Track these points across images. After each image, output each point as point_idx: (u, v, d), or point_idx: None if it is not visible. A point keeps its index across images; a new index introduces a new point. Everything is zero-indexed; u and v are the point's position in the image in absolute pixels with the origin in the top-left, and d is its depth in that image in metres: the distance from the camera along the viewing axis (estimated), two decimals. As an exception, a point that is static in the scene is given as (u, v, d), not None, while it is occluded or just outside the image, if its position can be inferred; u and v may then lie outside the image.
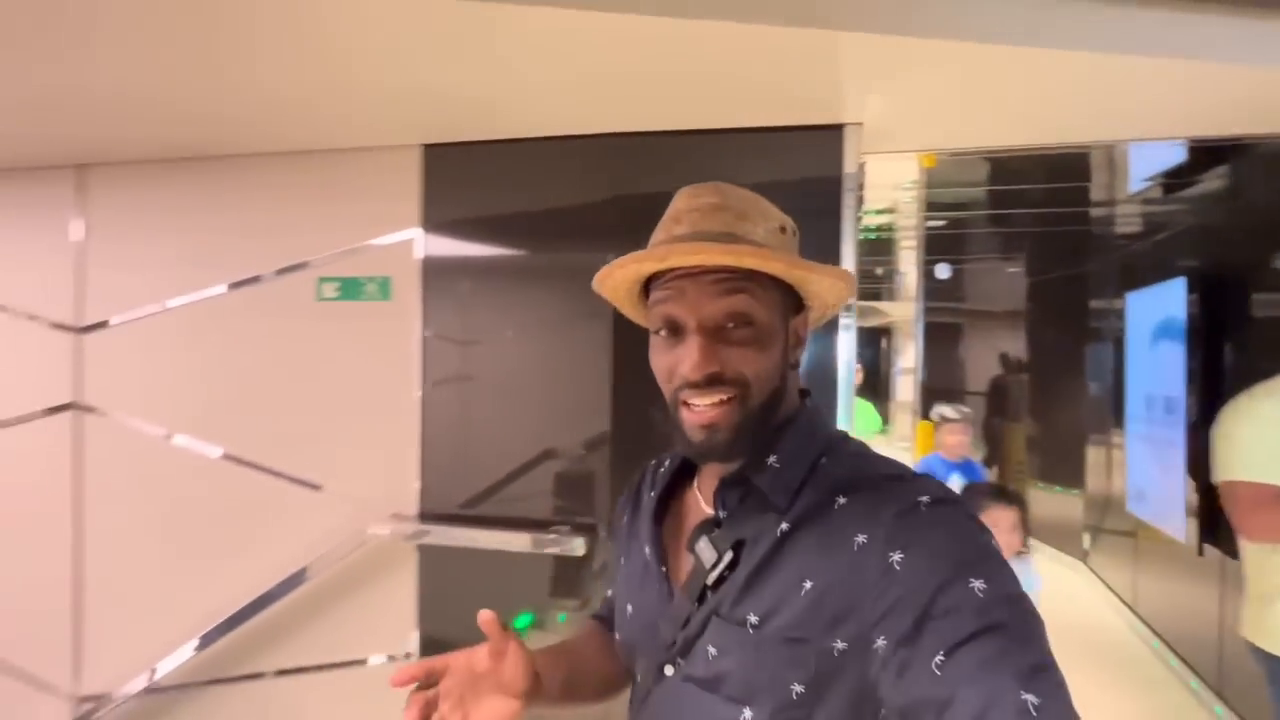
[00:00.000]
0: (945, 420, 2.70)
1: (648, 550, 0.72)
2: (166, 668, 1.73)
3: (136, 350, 1.82)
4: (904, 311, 7.81)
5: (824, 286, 0.65)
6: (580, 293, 0.86)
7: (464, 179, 1.67)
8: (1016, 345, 5.45)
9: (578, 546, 1.59)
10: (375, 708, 1.67)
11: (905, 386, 7.88)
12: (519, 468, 1.70)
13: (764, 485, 0.63)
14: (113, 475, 1.83)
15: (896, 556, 0.53)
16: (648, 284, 0.67)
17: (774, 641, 0.58)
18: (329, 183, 1.71)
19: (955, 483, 2.48)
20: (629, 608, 0.74)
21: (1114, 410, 3.78)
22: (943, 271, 6.06)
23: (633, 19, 1.04)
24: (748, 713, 0.59)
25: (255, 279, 1.73)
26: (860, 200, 1.84)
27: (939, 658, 0.47)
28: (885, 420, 8.03)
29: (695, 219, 0.63)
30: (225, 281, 1.76)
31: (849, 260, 1.48)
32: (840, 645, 0.56)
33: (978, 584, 0.50)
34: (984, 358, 5.75)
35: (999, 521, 1.74)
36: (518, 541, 1.63)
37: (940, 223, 5.49)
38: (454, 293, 1.69)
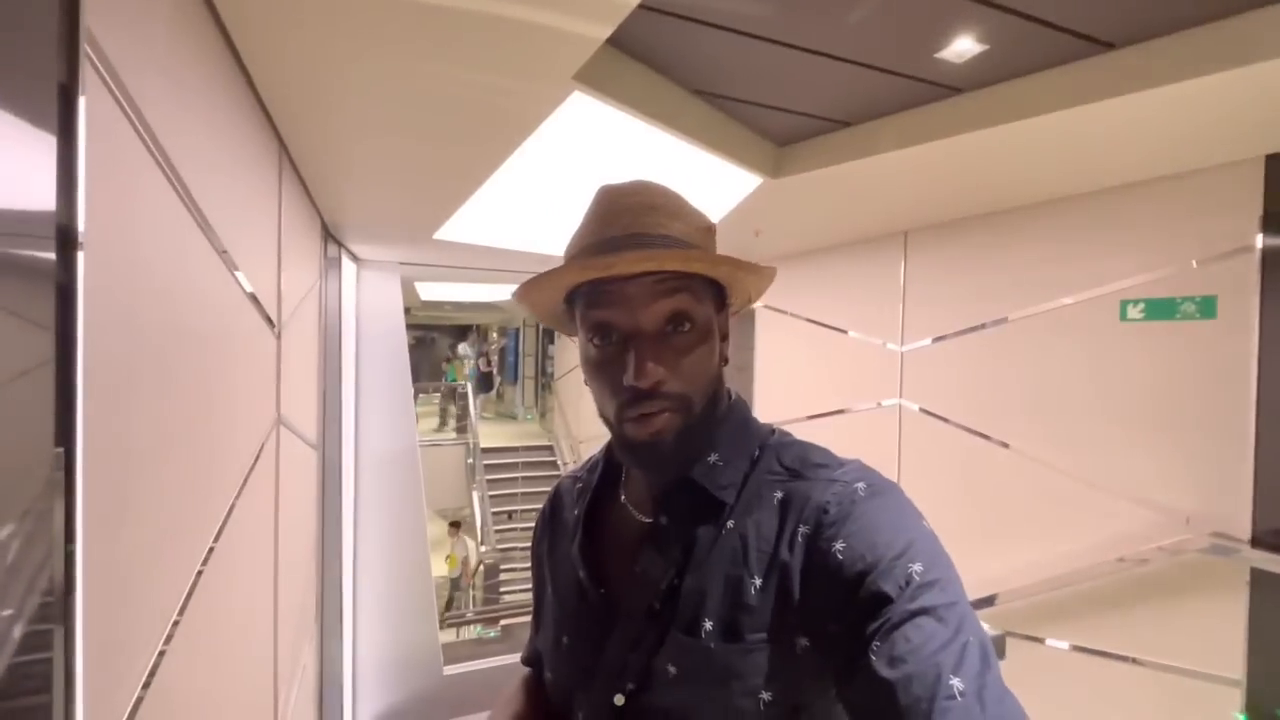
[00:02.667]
0: None
1: (582, 574, 0.66)
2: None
3: (939, 364, 2.43)
4: None
5: (752, 281, 0.63)
6: None
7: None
8: None
9: None
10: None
11: None
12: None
13: (709, 484, 0.60)
14: (919, 455, 2.50)
15: (839, 545, 0.53)
16: (571, 290, 0.63)
17: (733, 648, 0.55)
18: (1134, 214, 1.86)
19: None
20: (564, 639, 0.68)
21: None
22: None
23: None
24: None
25: (1057, 305, 2.05)
26: None
27: (875, 642, 0.47)
28: None
29: (628, 221, 0.60)
30: (1016, 311, 2.15)
31: None
32: (803, 642, 0.54)
33: (916, 567, 0.49)
34: None
35: None
36: None
37: None
38: (1302, 305, 1.57)
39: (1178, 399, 1.77)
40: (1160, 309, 1.80)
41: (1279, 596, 1.59)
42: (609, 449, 0.73)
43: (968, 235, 2.32)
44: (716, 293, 0.62)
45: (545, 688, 0.73)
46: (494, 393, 14.27)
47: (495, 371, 14.48)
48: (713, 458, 0.62)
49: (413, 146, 1.63)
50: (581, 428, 8.12)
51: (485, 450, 8.72)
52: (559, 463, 8.93)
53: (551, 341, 10.73)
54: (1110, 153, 1.65)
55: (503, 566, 7.07)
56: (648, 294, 0.57)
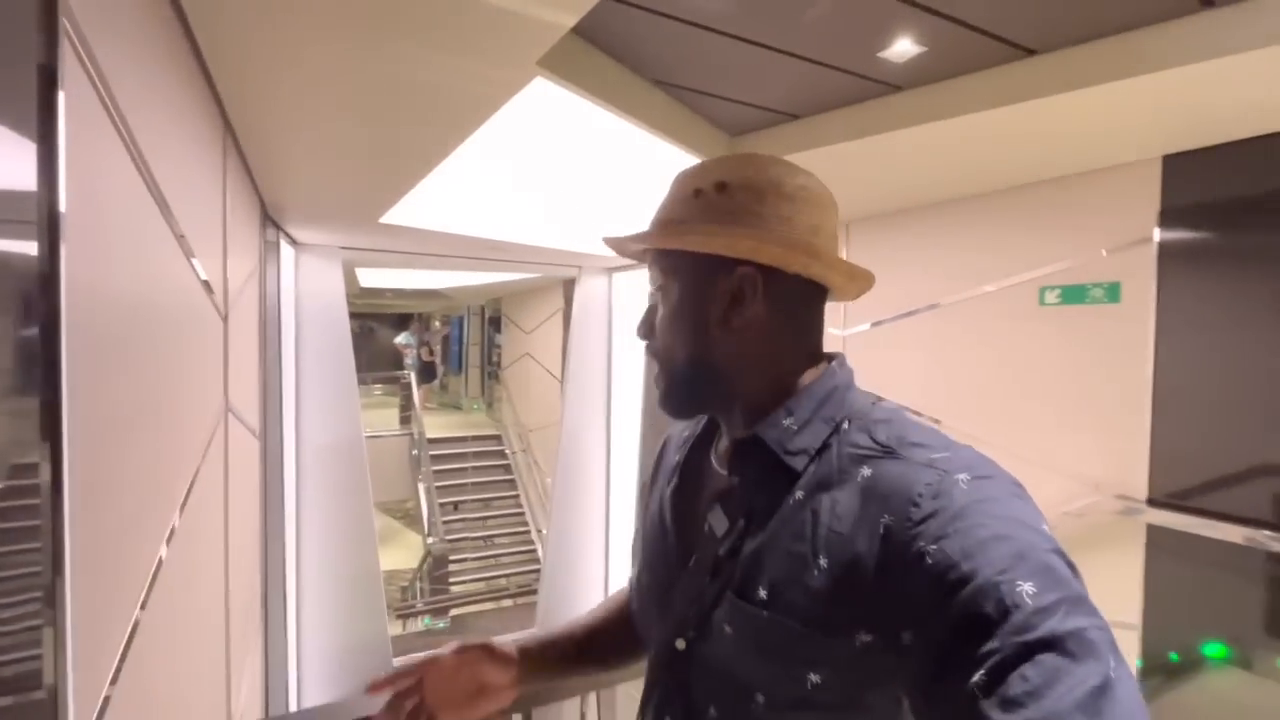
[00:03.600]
0: None
1: (666, 517, 0.69)
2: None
3: (879, 347, 2.57)
4: None
5: (691, 244, 0.62)
6: None
7: (1209, 183, 1.72)
8: None
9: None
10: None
11: None
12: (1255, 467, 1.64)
13: (774, 444, 0.58)
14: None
15: (929, 547, 0.46)
16: None
17: (785, 624, 0.53)
18: (1052, 206, 2.03)
19: None
20: (643, 576, 0.72)
21: None
22: None
23: None
24: (760, 699, 0.55)
25: (984, 291, 2.21)
26: None
27: (979, 677, 0.40)
28: None
29: (661, 204, 0.66)
30: (948, 297, 2.31)
31: None
32: (865, 638, 0.50)
33: (1025, 587, 0.41)
34: None
35: None
36: (1234, 533, 1.60)
37: None
38: (1191, 291, 1.76)
39: (1088, 376, 1.96)
40: (1073, 294, 1.98)
41: (1170, 550, 1.79)
42: None
43: (906, 226, 2.45)
44: (717, 260, 0.62)
45: (624, 606, 0.82)
46: (437, 383, 13.96)
47: (438, 361, 14.15)
48: (787, 420, 0.59)
49: (367, 127, 1.60)
50: (531, 416, 8.08)
51: (431, 441, 8.56)
52: (507, 452, 8.86)
53: (498, 330, 10.56)
54: (1032, 151, 1.79)
55: (451, 557, 6.99)
56: (649, 269, 0.67)
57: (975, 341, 2.22)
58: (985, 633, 0.41)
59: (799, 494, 0.56)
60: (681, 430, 0.79)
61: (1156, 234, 1.80)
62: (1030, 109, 1.44)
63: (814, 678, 0.52)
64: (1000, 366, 2.16)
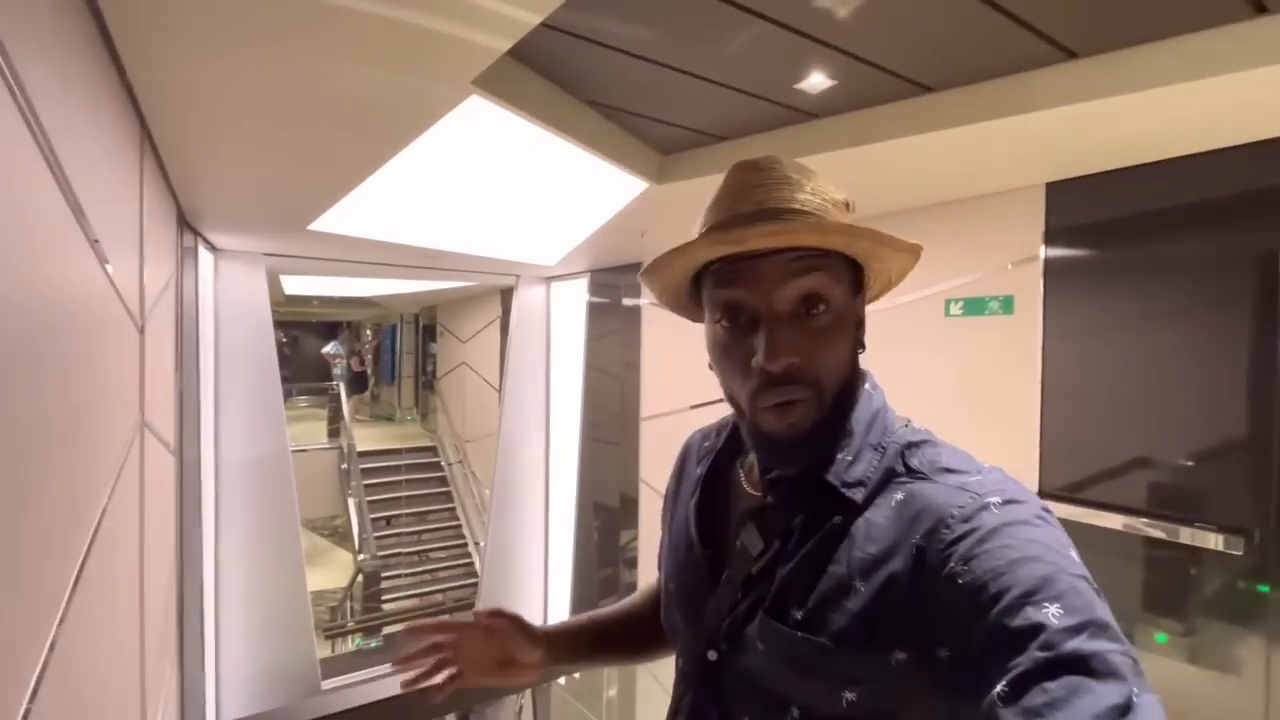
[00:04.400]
0: None
1: (692, 530, 0.67)
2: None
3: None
4: None
5: (896, 261, 0.59)
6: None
7: (1085, 208, 1.93)
8: None
9: (1224, 543, 1.65)
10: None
11: None
12: (1130, 461, 1.85)
13: (836, 481, 0.56)
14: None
15: (960, 567, 0.46)
16: (699, 270, 0.61)
17: (821, 645, 0.52)
18: (956, 227, 2.22)
19: None
20: (671, 586, 0.70)
21: None
22: None
23: None
24: (795, 712, 0.55)
25: (898, 303, 2.38)
26: None
27: (1001, 687, 0.41)
28: None
29: (760, 196, 0.56)
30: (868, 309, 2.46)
31: None
32: (900, 656, 0.50)
33: (1052, 609, 0.42)
34: None
35: None
36: (1115, 521, 1.81)
37: None
38: (1072, 303, 1.96)
39: (988, 380, 2.14)
40: (974, 306, 2.16)
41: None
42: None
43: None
44: (854, 275, 0.59)
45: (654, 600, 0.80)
46: (368, 394, 13.47)
47: (369, 371, 13.66)
48: (841, 454, 0.56)
49: (295, 135, 1.58)
50: (468, 427, 7.94)
51: (362, 454, 8.26)
52: (443, 463, 8.65)
53: (433, 339, 10.32)
54: (935, 176, 1.96)
55: (384, 573, 6.76)
56: (781, 272, 0.54)
57: (892, 348, 2.38)
58: (1013, 650, 0.41)
59: (837, 519, 0.55)
60: (701, 440, 0.76)
61: (1042, 252, 2.01)
62: (929, 139, 1.58)
63: (849, 695, 0.51)
64: (913, 372, 2.33)
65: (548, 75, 1.48)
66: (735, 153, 1.96)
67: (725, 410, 0.68)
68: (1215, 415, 1.70)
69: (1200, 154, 1.66)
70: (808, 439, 0.56)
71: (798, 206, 0.56)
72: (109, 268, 1.18)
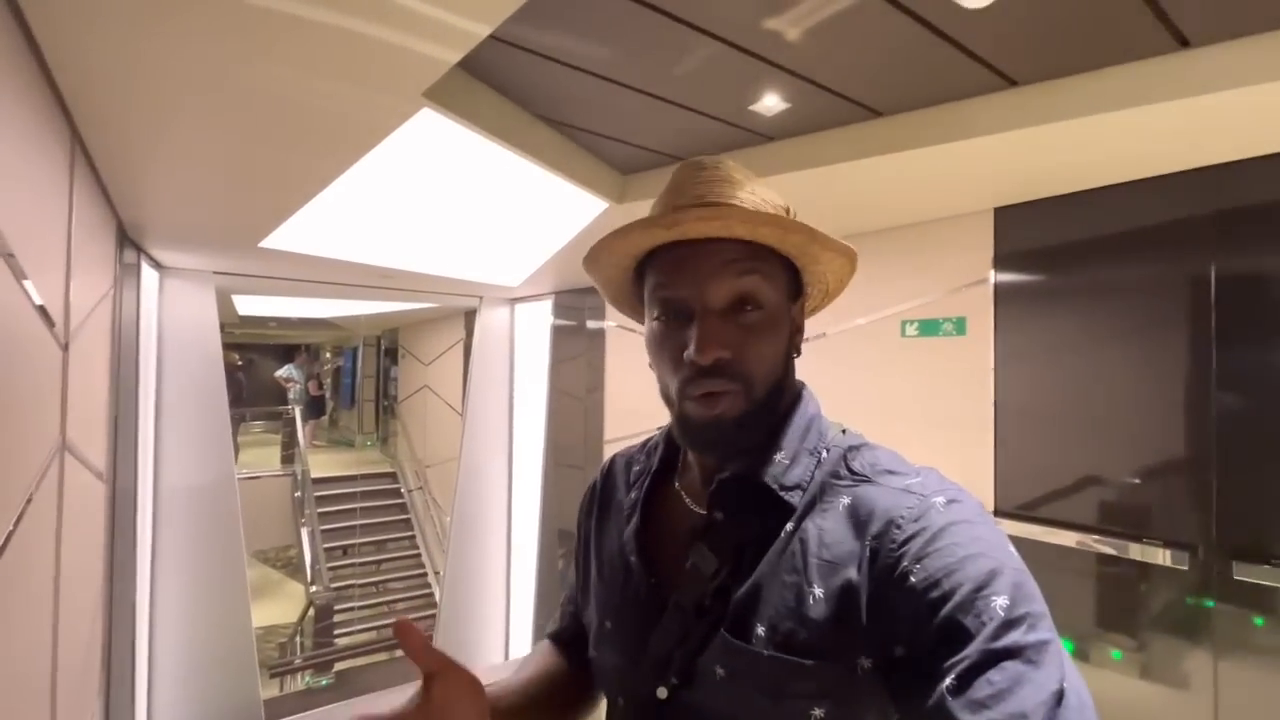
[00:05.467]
0: None
1: (632, 559, 0.64)
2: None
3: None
4: None
5: (832, 266, 0.60)
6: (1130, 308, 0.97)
7: (1031, 232, 1.99)
8: None
9: (1171, 558, 1.69)
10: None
11: None
12: (1080, 480, 1.89)
13: (773, 483, 0.57)
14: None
15: (913, 566, 0.48)
16: (641, 270, 0.62)
17: (786, 660, 0.52)
18: (909, 249, 2.27)
19: None
20: (607, 623, 0.66)
21: None
22: None
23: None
24: None
25: (855, 324, 2.41)
26: None
27: (950, 680, 0.43)
28: None
29: (700, 190, 0.58)
30: (831, 328, 2.49)
31: None
32: (865, 663, 0.50)
33: (999, 601, 0.45)
34: None
35: None
36: (1069, 538, 1.83)
37: None
38: (1022, 325, 2.01)
39: (942, 400, 2.17)
40: (928, 327, 2.20)
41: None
42: (669, 433, 0.70)
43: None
44: (791, 280, 0.60)
45: (560, 658, 0.75)
46: (325, 418, 13.07)
47: (328, 395, 13.28)
48: (779, 455, 0.58)
49: (241, 147, 1.53)
50: (428, 452, 7.74)
51: (318, 481, 7.97)
52: (403, 490, 8.40)
53: (394, 362, 10.12)
54: (887, 199, 2.01)
55: (338, 606, 6.48)
56: (717, 270, 0.55)
57: (850, 368, 2.40)
58: (962, 643, 0.44)
59: (789, 527, 0.55)
60: (626, 464, 0.74)
61: (991, 275, 2.06)
62: (879, 163, 1.62)
63: (817, 712, 0.51)
64: (870, 391, 2.35)
65: (502, 90, 1.47)
66: (694, 174, 1.99)
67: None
68: (1158, 433, 1.75)
69: (1137, 180, 1.73)
70: (732, 426, 0.56)
71: (735, 201, 0.57)
72: (26, 284, 1.11)
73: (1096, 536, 1.86)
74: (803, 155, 1.67)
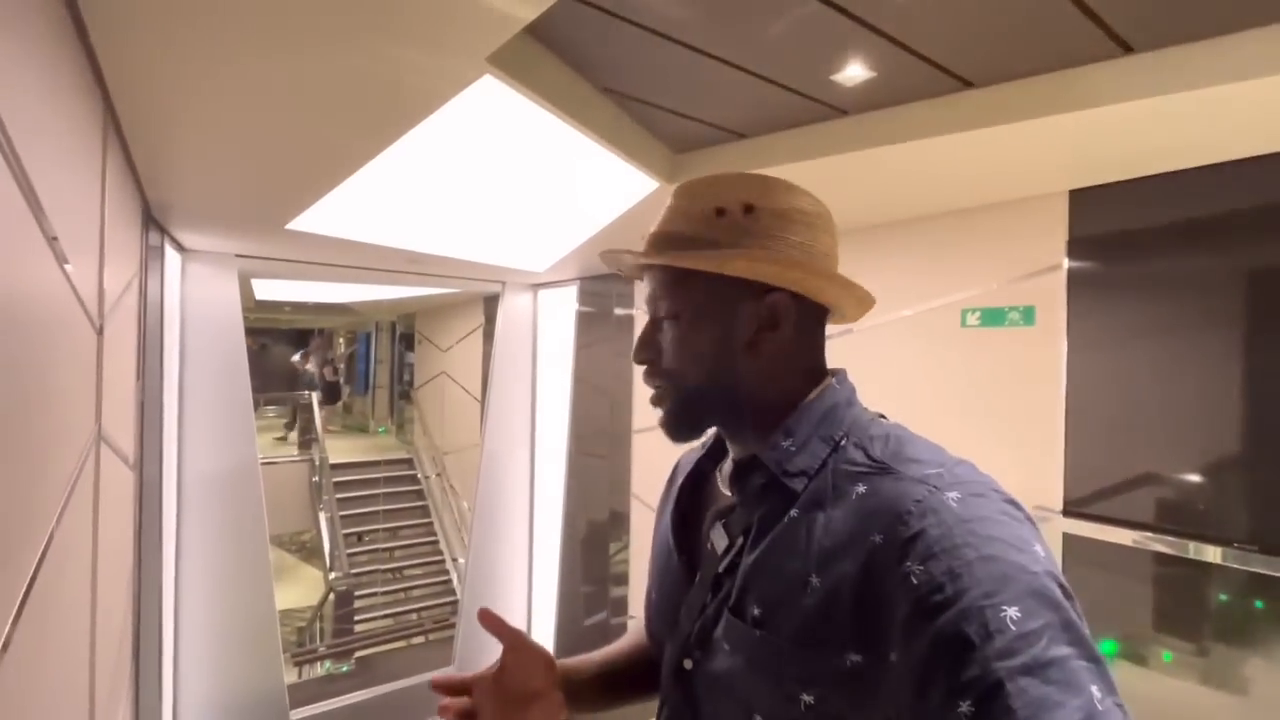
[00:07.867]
0: None
1: (669, 537, 0.72)
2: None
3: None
4: None
5: (749, 272, 0.60)
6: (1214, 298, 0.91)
7: (1111, 217, 1.87)
8: None
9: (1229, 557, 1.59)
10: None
11: None
12: (1141, 475, 1.79)
13: (773, 465, 0.59)
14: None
15: (915, 566, 0.45)
16: None
17: (778, 643, 0.53)
18: (973, 233, 2.15)
19: None
20: (654, 595, 0.75)
21: None
22: None
23: None
24: (757, 718, 0.54)
25: (913, 312, 2.30)
26: None
27: (965, 706, 0.39)
28: None
29: (661, 219, 0.67)
30: (883, 317, 2.38)
31: None
32: (854, 658, 0.49)
33: (1011, 611, 0.41)
34: None
35: None
36: (1125, 536, 1.76)
37: None
38: (1097, 315, 1.90)
39: (1007, 394, 2.07)
40: (992, 317, 2.09)
41: (1083, 554, 1.91)
42: None
43: (840, 249, 2.53)
44: (737, 285, 0.61)
45: (643, 636, 0.81)
46: (340, 404, 13.08)
47: (343, 381, 13.29)
48: (786, 441, 0.60)
49: (283, 121, 1.44)
50: (446, 439, 7.70)
51: (335, 467, 7.95)
52: (419, 476, 8.38)
53: (410, 348, 10.07)
54: (959, 180, 1.89)
55: (357, 592, 6.48)
56: (650, 286, 0.65)
57: (904, 360, 2.30)
58: (967, 656, 0.40)
59: (794, 512, 0.56)
60: (692, 454, 0.79)
61: (1065, 262, 1.95)
62: (962, 139, 1.50)
63: (807, 698, 0.51)
64: (926, 385, 2.25)
65: (565, 56, 1.36)
66: (753, 152, 1.87)
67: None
68: (1231, 430, 1.66)
69: (1227, 162, 1.61)
70: (671, 419, 0.64)
71: (670, 229, 0.64)
72: (67, 268, 1.03)
73: (1156, 534, 1.77)
74: (879, 131, 1.55)
